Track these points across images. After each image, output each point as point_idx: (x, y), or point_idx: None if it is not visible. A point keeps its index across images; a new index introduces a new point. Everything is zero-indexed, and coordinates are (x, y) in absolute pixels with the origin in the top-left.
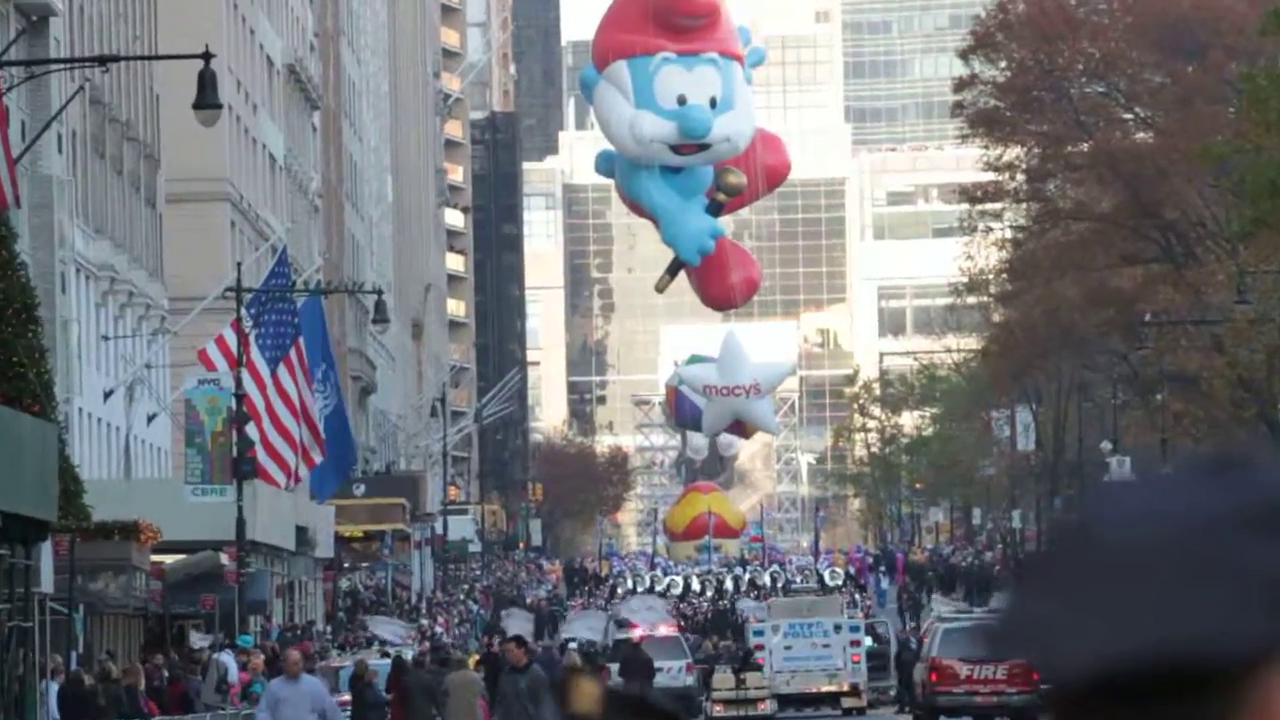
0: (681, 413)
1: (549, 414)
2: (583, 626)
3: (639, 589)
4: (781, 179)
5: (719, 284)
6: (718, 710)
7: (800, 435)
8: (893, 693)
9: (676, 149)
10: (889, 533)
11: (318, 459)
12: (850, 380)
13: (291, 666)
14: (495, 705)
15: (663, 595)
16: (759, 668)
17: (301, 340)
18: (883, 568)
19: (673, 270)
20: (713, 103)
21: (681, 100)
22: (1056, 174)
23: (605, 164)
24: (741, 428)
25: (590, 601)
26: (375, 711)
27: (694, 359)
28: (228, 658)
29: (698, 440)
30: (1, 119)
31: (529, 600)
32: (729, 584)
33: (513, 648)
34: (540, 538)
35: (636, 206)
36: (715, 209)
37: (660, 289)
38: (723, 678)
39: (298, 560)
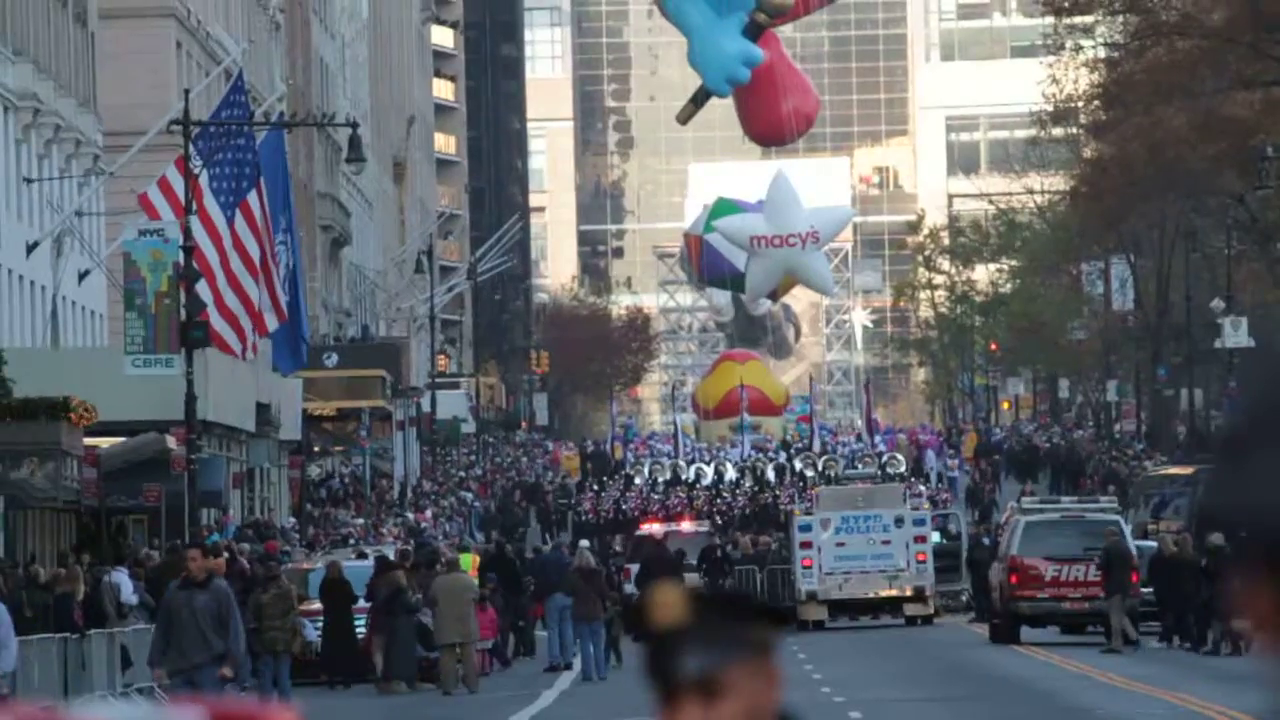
0: (716, 267)
1: (556, 269)
2: None
3: (659, 479)
4: None
5: (769, 113)
6: None
7: (854, 293)
8: (965, 598)
9: None
10: (959, 408)
11: (273, 325)
12: (913, 228)
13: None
14: (157, 628)
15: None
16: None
17: (262, 181)
18: (950, 451)
19: (698, 99)
20: None
21: None
22: None
23: None
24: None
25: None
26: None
27: (722, 204)
28: (120, 576)
29: (719, 298)
30: None
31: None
32: (770, 473)
33: (196, 556)
34: (546, 416)
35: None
36: (755, 32)
37: (682, 120)
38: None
39: (258, 444)
